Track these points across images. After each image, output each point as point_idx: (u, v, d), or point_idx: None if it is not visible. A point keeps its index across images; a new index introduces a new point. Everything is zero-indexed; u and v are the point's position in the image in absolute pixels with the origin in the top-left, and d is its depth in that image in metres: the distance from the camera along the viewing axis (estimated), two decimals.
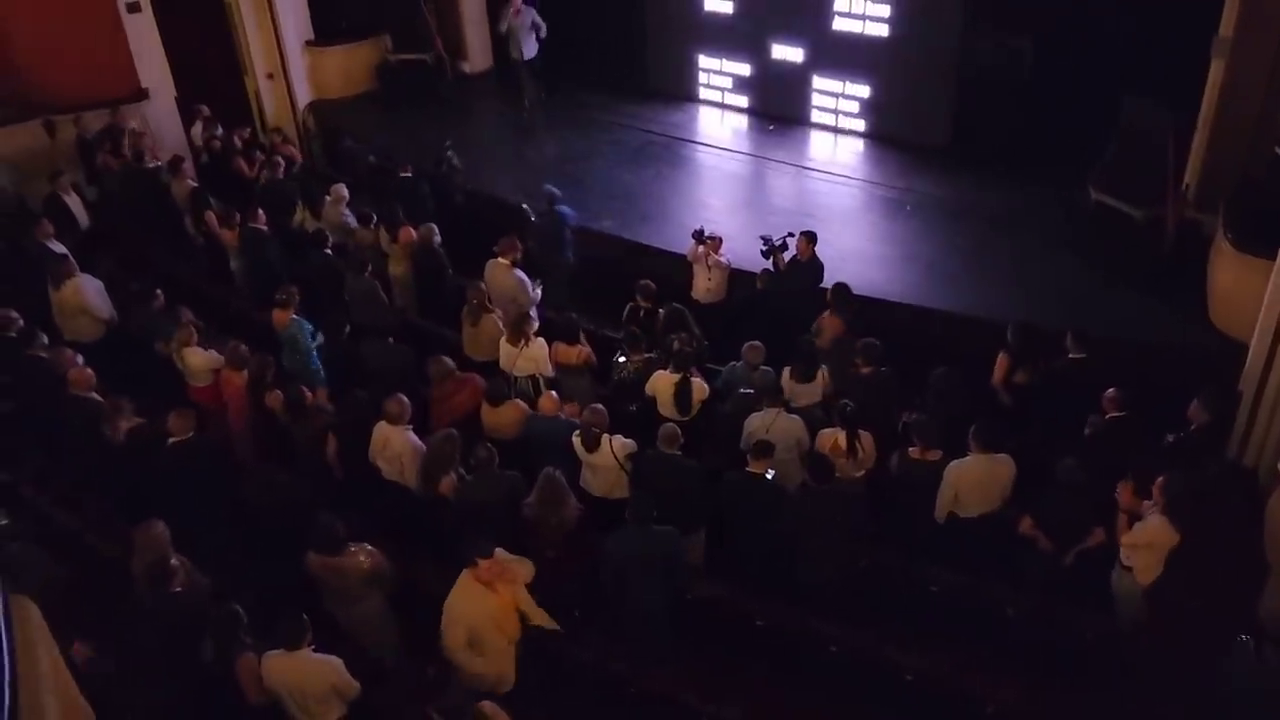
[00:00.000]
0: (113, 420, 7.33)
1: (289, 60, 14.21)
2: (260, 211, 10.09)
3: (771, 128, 13.24)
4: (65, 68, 12.36)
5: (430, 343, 8.90)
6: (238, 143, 12.26)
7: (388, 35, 14.54)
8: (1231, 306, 8.46)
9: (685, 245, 9.39)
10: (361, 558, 6.11)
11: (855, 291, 8.56)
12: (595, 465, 6.97)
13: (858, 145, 12.76)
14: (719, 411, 7.66)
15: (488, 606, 5.72)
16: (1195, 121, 9.42)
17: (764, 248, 8.99)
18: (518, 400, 7.64)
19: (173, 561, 5.85)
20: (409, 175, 10.98)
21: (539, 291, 9.09)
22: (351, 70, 14.74)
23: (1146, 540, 6.04)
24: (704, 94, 14.03)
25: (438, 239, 9.84)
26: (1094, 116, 10.16)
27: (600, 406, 7.21)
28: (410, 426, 7.14)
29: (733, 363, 7.93)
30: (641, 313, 8.58)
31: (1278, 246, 7.38)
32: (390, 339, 8.41)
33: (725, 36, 13.47)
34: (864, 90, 12.58)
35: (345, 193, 10.67)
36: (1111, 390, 7.08)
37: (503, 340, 8.15)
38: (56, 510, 7.42)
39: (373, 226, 10.21)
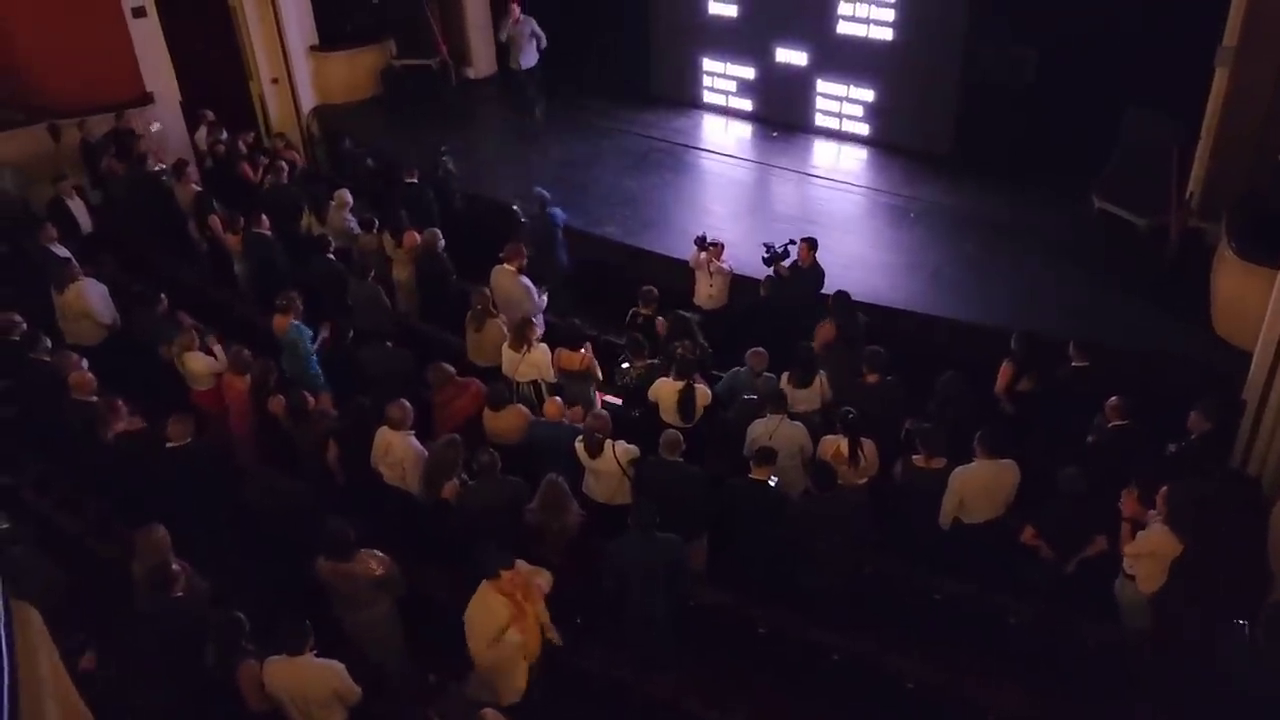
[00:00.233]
0: (107, 421, 7.34)
1: (293, 65, 14.25)
2: (264, 216, 10.10)
3: (775, 134, 13.26)
4: (70, 72, 12.40)
5: (433, 348, 8.91)
6: (242, 147, 12.28)
7: (392, 41, 14.57)
8: (1235, 315, 8.45)
9: (688, 251, 9.40)
10: (373, 564, 6.10)
11: (859, 299, 8.59)
12: (598, 471, 6.97)
13: (861, 152, 12.78)
14: (722, 418, 7.66)
15: (507, 618, 5.69)
16: (1199, 130, 9.42)
17: (765, 254, 8.99)
18: (519, 405, 7.64)
19: (174, 567, 5.84)
20: (414, 181, 10.99)
21: (544, 298, 9.10)
22: (356, 75, 14.78)
23: (1149, 550, 6.03)
24: (708, 98, 14.05)
25: (441, 244, 9.85)
26: (1098, 125, 10.16)
27: (603, 412, 7.22)
28: (412, 432, 7.13)
29: (736, 368, 7.93)
30: (640, 319, 8.57)
31: None
32: (389, 344, 8.41)
33: (729, 40, 13.50)
34: (868, 94, 12.58)
35: (349, 198, 10.69)
36: (1114, 399, 7.07)
37: (505, 345, 8.15)
38: (58, 514, 7.42)
39: (375, 231, 10.23)
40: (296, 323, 8.44)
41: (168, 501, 6.81)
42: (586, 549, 6.56)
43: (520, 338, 8.00)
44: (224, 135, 12.50)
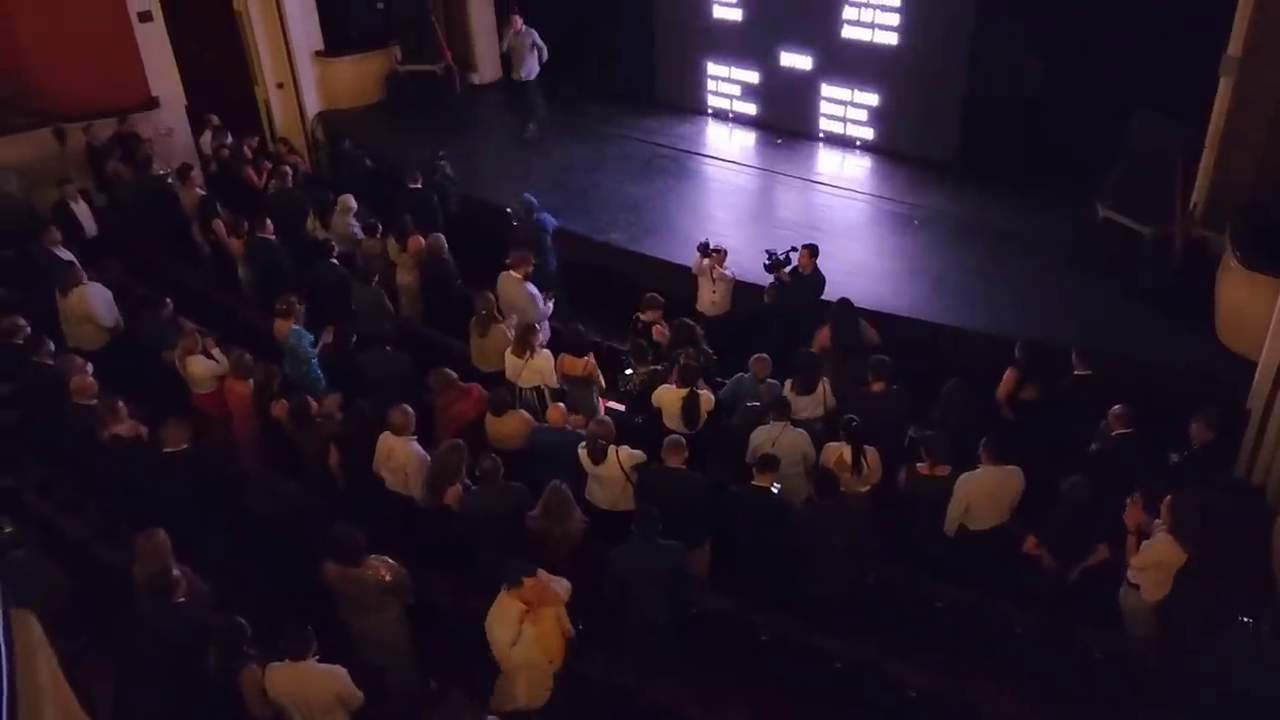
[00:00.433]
0: (104, 422, 7.35)
1: (299, 70, 14.27)
2: (268, 221, 10.11)
3: (779, 141, 13.26)
4: (76, 76, 12.43)
5: (436, 353, 8.91)
6: (247, 152, 12.31)
7: (397, 46, 14.58)
8: (1239, 324, 8.44)
9: (691, 258, 9.40)
10: (382, 570, 6.10)
11: (862, 306, 8.59)
12: (601, 477, 6.96)
13: (865, 160, 12.77)
14: (725, 425, 7.65)
15: (521, 616, 5.69)
16: (1203, 139, 9.41)
17: (767, 261, 8.99)
18: (522, 411, 7.64)
19: (174, 572, 5.83)
20: (418, 186, 11.01)
21: (550, 306, 9.10)
22: (361, 81, 14.81)
23: (1155, 561, 6.02)
24: (712, 102, 14.06)
25: (446, 249, 9.87)
26: (1102, 133, 10.15)
27: (606, 418, 7.22)
28: (414, 437, 7.13)
29: (740, 374, 7.93)
30: (641, 325, 8.57)
31: None
32: (388, 348, 8.42)
33: (733, 44, 13.51)
34: (872, 99, 12.58)
35: (353, 203, 10.71)
36: (1118, 407, 7.06)
37: (508, 351, 8.15)
38: (61, 518, 7.43)
39: (379, 236, 10.24)
40: (296, 327, 8.45)
41: (166, 506, 6.82)
42: (589, 555, 6.55)
43: (523, 344, 8.00)
44: (229, 140, 12.53)
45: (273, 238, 10.06)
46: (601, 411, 8.06)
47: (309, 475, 7.43)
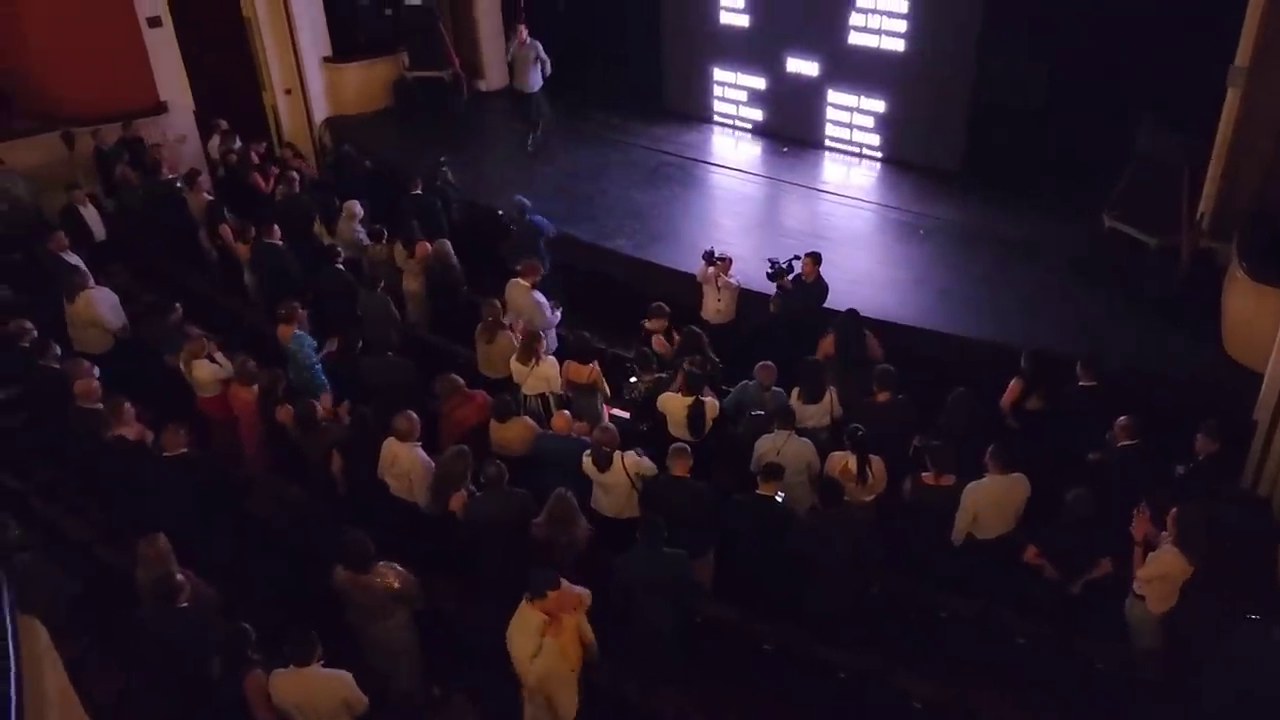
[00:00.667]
0: (108, 423, 7.36)
1: (307, 76, 14.34)
2: (275, 226, 10.14)
3: (785, 150, 13.28)
4: (85, 81, 12.49)
5: (443, 359, 8.92)
6: (254, 158, 12.35)
7: (405, 53, 14.63)
8: (1246, 336, 8.42)
9: (696, 266, 9.40)
10: (391, 578, 6.09)
11: (867, 315, 8.58)
12: (607, 484, 6.95)
13: (871, 169, 12.79)
14: (730, 433, 7.64)
15: (542, 627, 5.64)
16: (1210, 150, 9.40)
17: (770, 270, 9.00)
18: (526, 418, 7.65)
19: (178, 577, 5.84)
20: (419, 193, 11.03)
21: (558, 314, 9.11)
22: (368, 87, 14.86)
23: (1160, 573, 6.00)
24: (718, 107, 14.09)
25: (453, 254, 9.90)
26: (1108, 144, 10.15)
27: (611, 425, 7.21)
28: (419, 443, 7.14)
29: (744, 381, 7.93)
30: (646, 333, 8.58)
31: None
32: (390, 353, 8.44)
33: (740, 50, 13.53)
34: (878, 105, 12.59)
35: (359, 209, 10.74)
36: (1124, 418, 7.05)
37: (513, 359, 8.16)
38: (66, 521, 7.45)
39: (385, 242, 10.27)
40: (299, 332, 8.47)
41: (169, 510, 6.84)
42: (594, 564, 6.54)
43: (528, 352, 8.01)
44: (236, 144, 12.58)
45: (280, 243, 10.08)
46: (606, 419, 8.07)
47: (314, 480, 7.44)
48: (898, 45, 12.14)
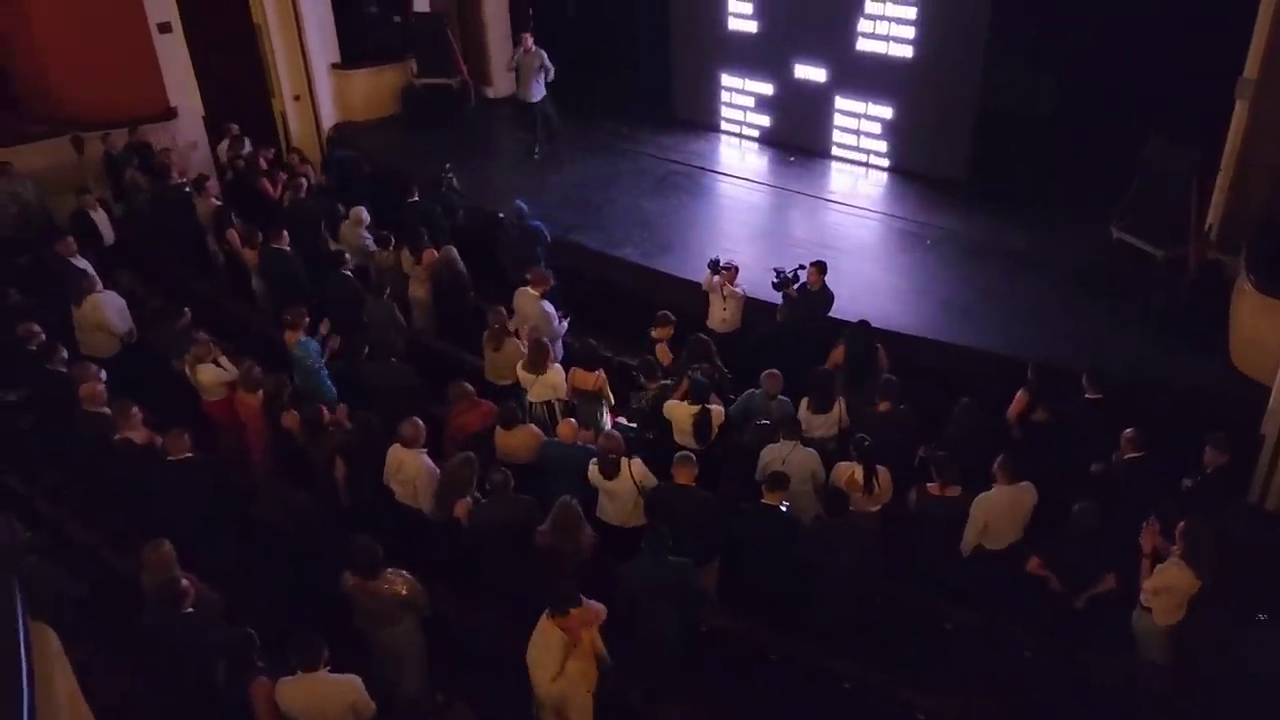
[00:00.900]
0: (116, 425, 7.38)
1: (315, 82, 14.39)
2: (284, 232, 10.16)
3: (792, 159, 13.29)
4: (95, 85, 12.55)
5: (449, 366, 8.93)
6: (263, 163, 12.38)
7: (413, 60, 14.67)
8: (1253, 348, 8.40)
9: (704, 275, 9.41)
10: (399, 585, 6.10)
11: (874, 326, 8.57)
12: (613, 492, 6.94)
13: (878, 179, 12.79)
14: (736, 441, 7.64)
15: (565, 648, 5.62)
16: (1218, 161, 9.40)
17: (775, 279, 9.01)
18: (532, 425, 7.65)
19: (183, 582, 5.84)
20: (415, 200, 11.04)
21: (565, 324, 9.12)
22: (376, 93, 14.91)
23: (1166, 585, 6.00)
24: (726, 114, 14.10)
25: (460, 260, 9.92)
26: (1116, 154, 10.14)
27: (616, 433, 7.21)
28: (425, 450, 7.14)
29: (750, 390, 7.93)
30: (649, 340, 8.58)
31: None
32: (393, 359, 8.45)
33: (748, 56, 13.54)
34: (886, 112, 12.59)
35: (365, 216, 10.76)
36: (1129, 430, 7.04)
37: (519, 366, 8.17)
38: (72, 525, 7.46)
39: (392, 248, 10.28)
40: (304, 338, 8.49)
41: (175, 514, 6.85)
42: (598, 572, 6.54)
43: (537, 361, 8.01)
44: (245, 149, 12.61)
45: (287, 249, 10.11)
46: (609, 426, 8.07)
47: (320, 485, 7.45)
48: (906, 52, 12.14)
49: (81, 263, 9.79)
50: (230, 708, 5.43)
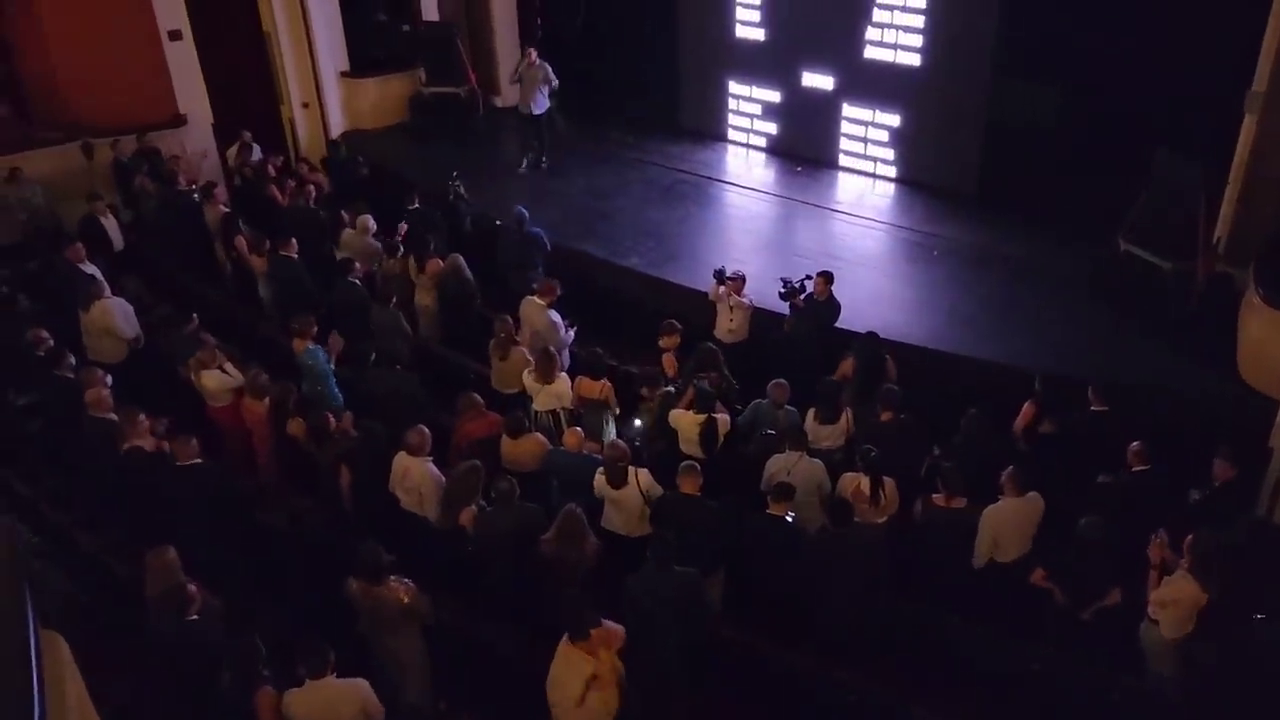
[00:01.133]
0: (123, 434, 7.38)
1: (324, 90, 14.46)
2: (292, 240, 10.19)
3: (799, 169, 13.30)
4: (106, 92, 12.62)
5: (454, 374, 8.94)
6: (271, 170, 12.42)
7: (422, 68, 14.72)
8: (1261, 361, 8.36)
9: (710, 284, 9.41)
10: (401, 593, 6.08)
11: (881, 337, 8.56)
12: (619, 501, 6.93)
13: (885, 189, 12.80)
14: (742, 451, 7.64)
15: (590, 674, 5.55)
16: (1227, 174, 9.38)
17: (782, 290, 9.00)
18: (537, 434, 7.65)
19: (190, 588, 5.84)
20: (415, 207, 11.06)
21: (572, 334, 9.12)
22: (385, 102, 14.96)
23: (1173, 598, 5.97)
24: (733, 122, 14.13)
25: (466, 268, 9.94)
26: (1124, 167, 10.12)
27: (621, 442, 7.21)
28: (430, 458, 7.14)
29: (757, 400, 7.92)
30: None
31: None
32: (398, 366, 8.46)
33: (756, 64, 13.58)
34: (893, 120, 12.59)
35: (372, 224, 10.78)
36: (1136, 444, 7.01)
37: (526, 374, 8.18)
38: (76, 530, 7.47)
39: (399, 256, 10.31)
40: (312, 346, 8.51)
41: (182, 520, 6.86)
42: (603, 581, 6.53)
43: (544, 371, 8.01)
44: (254, 156, 12.66)
45: (295, 256, 10.13)
46: (613, 435, 8.06)
47: (326, 492, 7.45)
48: (914, 59, 12.15)
49: (90, 268, 9.84)
50: (235, 716, 5.41)
